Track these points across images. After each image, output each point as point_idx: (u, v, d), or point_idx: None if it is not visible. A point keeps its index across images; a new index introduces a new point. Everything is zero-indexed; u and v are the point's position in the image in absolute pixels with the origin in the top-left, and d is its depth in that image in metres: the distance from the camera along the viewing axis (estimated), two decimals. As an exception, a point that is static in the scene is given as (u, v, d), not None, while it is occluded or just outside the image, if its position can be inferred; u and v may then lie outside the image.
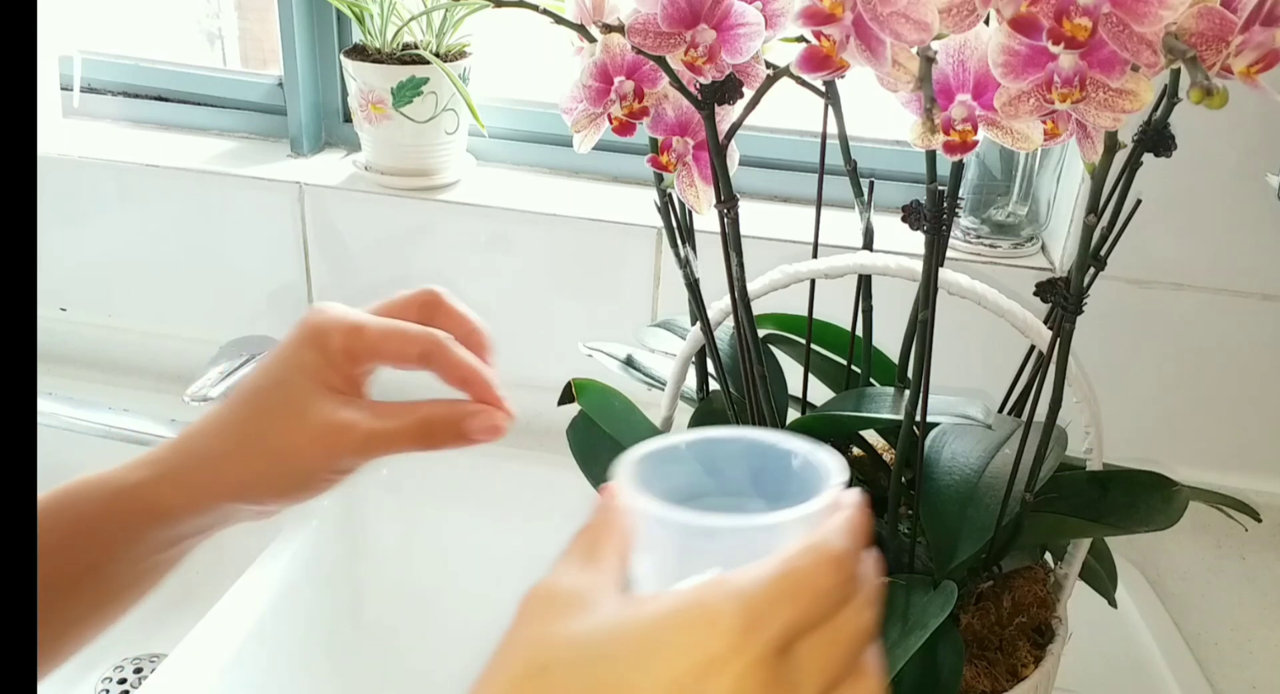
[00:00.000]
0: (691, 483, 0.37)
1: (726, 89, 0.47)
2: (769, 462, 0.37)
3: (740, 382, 0.56)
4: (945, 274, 0.51)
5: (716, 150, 0.49)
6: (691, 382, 0.62)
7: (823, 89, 0.55)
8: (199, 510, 0.46)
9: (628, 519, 0.34)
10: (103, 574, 0.46)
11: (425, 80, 0.93)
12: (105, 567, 0.46)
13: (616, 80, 0.49)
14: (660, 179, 0.53)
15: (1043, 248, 0.92)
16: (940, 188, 0.48)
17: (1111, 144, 0.41)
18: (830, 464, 0.34)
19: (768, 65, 0.48)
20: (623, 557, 0.33)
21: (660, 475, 0.35)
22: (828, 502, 0.32)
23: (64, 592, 0.45)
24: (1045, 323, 0.52)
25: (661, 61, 0.47)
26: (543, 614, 0.31)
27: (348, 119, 1.04)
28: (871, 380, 0.62)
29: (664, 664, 0.28)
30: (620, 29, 0.45)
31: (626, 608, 0.30)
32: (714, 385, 0.62)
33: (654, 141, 0.51)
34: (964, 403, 0.52)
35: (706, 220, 0.53)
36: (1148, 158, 0.43)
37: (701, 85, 0.47)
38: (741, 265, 0.51)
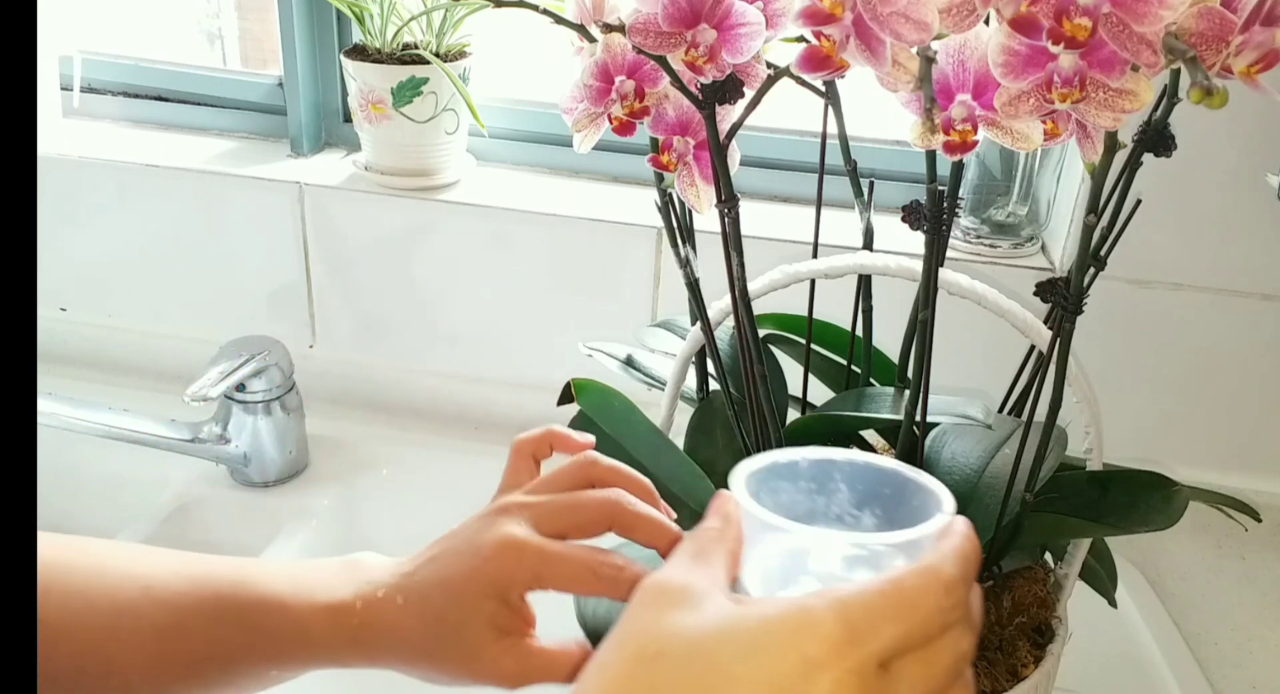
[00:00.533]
0: (803, 500, 0.38)
1: (727, 89, 0.47)
2: (881, 487, 0.38)
3: (740, 382, 0.56)
4: (945, 274, 0.51)
5: (717, 150, 0.49)
6: (691, 382, 0.62)
7: (823, 89, 0.55)
8: (359, 665, 0.47)
9: (739, 525, 0.36)
10: (228, 669, 0.46)
11: (425, 80, 0.93)
12: (234, 666, 0.46)
13: (617, 80, 0.49)
14: (661, 179, 0.53)
15: (1043, 248, 0.92)
16: (940, 188, 0.48)
17: (1111, 144, 0.41)
18: (941, 494, 0.35)
19: (768, 65, 0.48)
20: (732, 560, 0.35)
21: (771, 489, 0.37)
22: (939, 528, 0.33)
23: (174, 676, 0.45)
24: (1045, 323, 0.52)
25: (662, 61, 0.47)
26: (655, 604, 0.33)
27: (348, 119, 1.04)
28: (871, 380, 0.62)
29: (766, 662, 0.29)
30: (621, 29, 0.45)
31: (734, 608, 0.32)
32: (714, 385, 0.62)
33: (654, 141, 0.51)
34: (964, 403, 0.53)
35: (707, 220, 0.53)
36: (1148, 158, 0.43)
37: (702, 85, 0.47)
38: (742, 265, 0.51)
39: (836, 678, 0.29)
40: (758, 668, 0.30)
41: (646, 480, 0.47)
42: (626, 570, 0.44)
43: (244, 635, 0.45)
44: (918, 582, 0.31)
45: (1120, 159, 0.42)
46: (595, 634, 0.49)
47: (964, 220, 0.90)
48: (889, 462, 0.39)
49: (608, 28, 0.47)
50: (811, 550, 0.35)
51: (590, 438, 0.51)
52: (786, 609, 0.30)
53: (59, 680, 0.44)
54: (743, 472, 0.37)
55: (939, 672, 0.31)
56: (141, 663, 0.45)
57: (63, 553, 0.46)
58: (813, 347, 0.63)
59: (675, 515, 0.47)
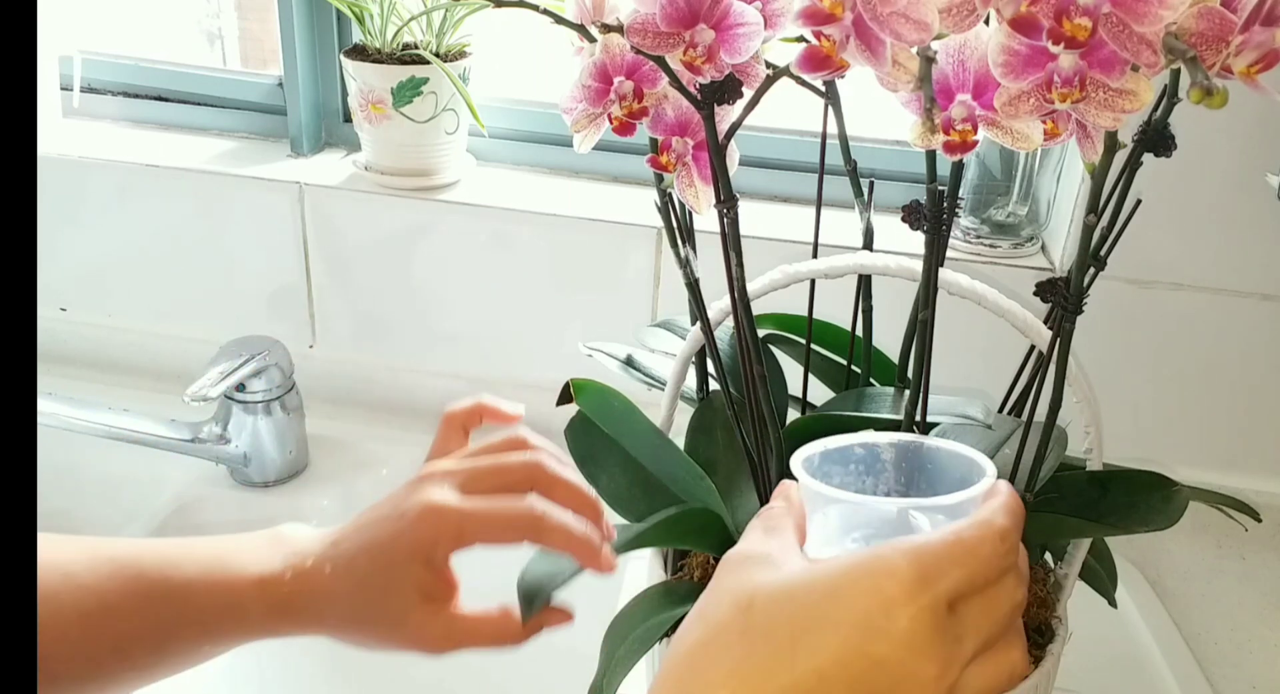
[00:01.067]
0: (853, 481, 0.42)
1: (726, 89, 0.47)
2: (924, 462, 0.41)
3: (740, 382, 0.55)
4: (945, 274, 0.51)
5: (716, 150, 0.49)
6: (691, 381, 0.62)
7: (823, 89, 0.55)
8: (290, 634, 0.48)
9: (800, 502, 0.40)
10: (159, 649, 0.47)
11: (425, 80, 0.93)
12: (165, 645, 0.47)
13: (616, 80, 0.49)
14: (660, 179, 0.53)
15: (1043, 248, 0.92)
16: (940, 188, 0.48)
17: (1111, 144, 0.41)
18: (982, 461, 0.39)
19: (767, 65, 0.48)
20: (798, 532, 0.39)
21: (825, 473, 0.41)
22: (984, 489, 0.37)
23: (106, 653, 0.45)
24: (1045, 323, 0.52)
25: (661, 61, 0.47)
26: (740, 568, 0.37)
27: (348, 119, 1.04)
28: (871, 380, 0.62)
29: (850, 601, 0.33)
30: (619, 29, 0.45)
31: (813, 563, 0.36)
32: (714, 385, 0.62)
33: (654, 141, 0.51)
34: (964, 403, 0.52)
35: (706, 220, 0.53)
36: (1148, 158, 0.43)
37: (701, 85, 0.47)
38: (741, 265, 0.51)
39: (913, 614, 0.32)
40: (842, 607, 0.33)
41: (562, 455, 0.49)
42: (547, 518, 0.46)
43: (173, 613, 0.46)
44: (976, 532, 0.34)
45: (1120, 159, 0.42)
46: (529, 593, 0.49)
47: (964, 220, 0.90)
48: (930, 439, 0.42)
49: (606, 28, 0.47)
50: (867, 517, 0.38)
51: (520, 408, 0.52)
52: (863, 558, 0.34)
53: None
54: (800, 456, 0.40)
55: (998, 616, 0.34)
56: (64, 649, 0.44)
57: None
58: (813, 347, 0.63)
59: (595, 491, 0.49)
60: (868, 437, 0.42)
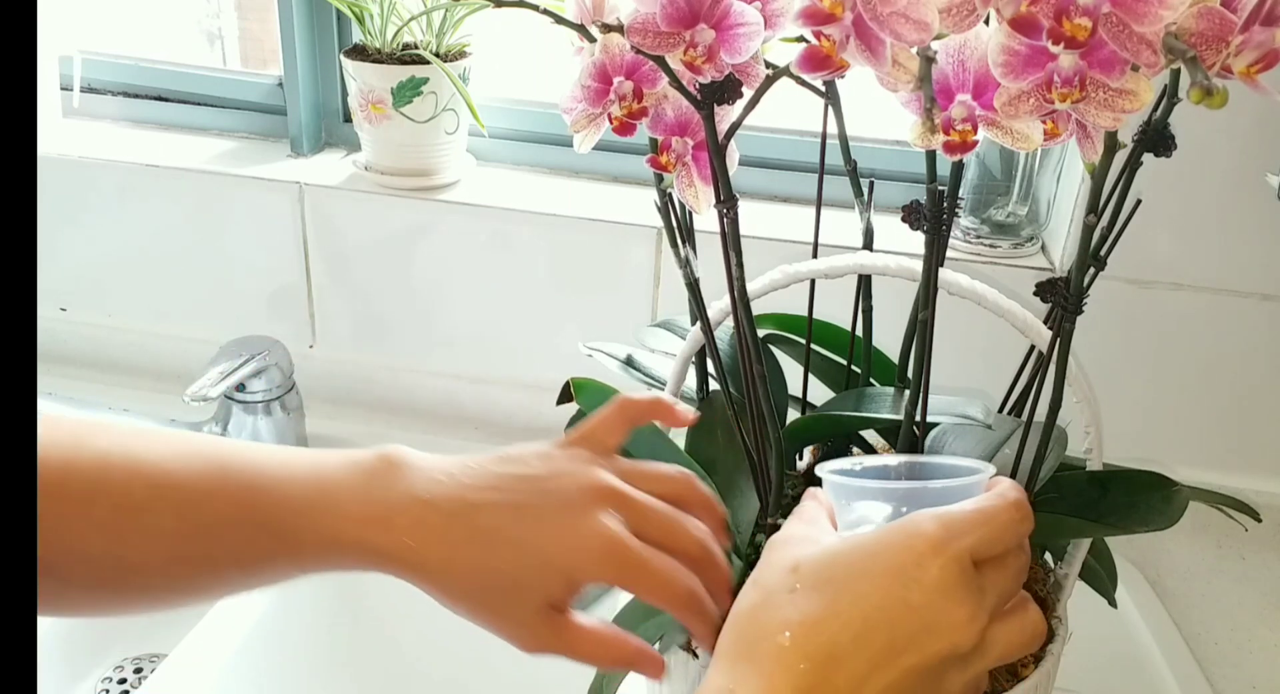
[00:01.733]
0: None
1: (726, 89, 0.47)
2: (929, 474, 0.45)
3: (740, 382, 0.56)
4: (945, 274, 0.51)
5: (716, 150, 0.49)
6: (691, 382, 0.62)
7: (823, 89, 0.54)
8: (390, 574, 0.45)
9: (828, 499, 0.45)
10: (247, 570, 0.44)
11: (425, 80, 0.93)
12: (255, 577, 0.45)
13: (615, 80, 0.49)
14: (660, 179, 0.53)
15: (1043, 248, 0.92)
16: (940, 188, 0.48)
17: (1111, 144, 0.41)
18: (980, 463, 0.44)
19: (767, 65, 0.48)
20: (830, 521, 0.44)
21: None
22: (988, 475, 0.42)
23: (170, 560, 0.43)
24: (1045, 323, 0.52)
25: (661, 61, 0.47)
26: (785, 546, 0.42)
27: (348, 119, 1.04)
28: (871, 380, 0.62)
29: (887, 557, 0.38)
30: (619, 29, 0.45)
31: (849, 536, 0.41)
32: (714, 385, 0.62)
33: (653, 142, 0.51)
34: (964, 403, 0.53)
35: (707, 220, 0.53)
36: (1148, 158, 0.43)
37: (701, 85, 0.47)
38: (741, 265, 0.51)
39: (942, 564, 0.37)
40: (880, 562, 0.38)
41: (725, 512, 0.50)
42: (702, 603, 0.44)
43: (265, 542, 0.43)
44: (994, 502, 0.39)
45: (1120, 159, 0.42)
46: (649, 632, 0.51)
47: (964, 220, 0.90)
48: (933, 458, 0.46)
49: (605, 28, 0.47)
50: (888, 506, 0.42)
51: (693, 412, 0.50)
52: (896, 525, 0.39)
53: (72, 582, 0.42)
54: (827, 467, 0.45)
55: (1011, 577, 0.39)
56: (158, 562, 0.43)
57: (59, 451, 0.42)
58: (813, 347, 0.63)
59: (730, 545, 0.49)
60: (874, 460, 0.47)
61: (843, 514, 0.44)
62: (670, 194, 0.55)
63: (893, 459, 0.46)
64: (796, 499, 0.48)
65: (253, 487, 0.43)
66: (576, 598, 0.44)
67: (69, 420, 0.44)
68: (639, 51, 0.45)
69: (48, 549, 0.41)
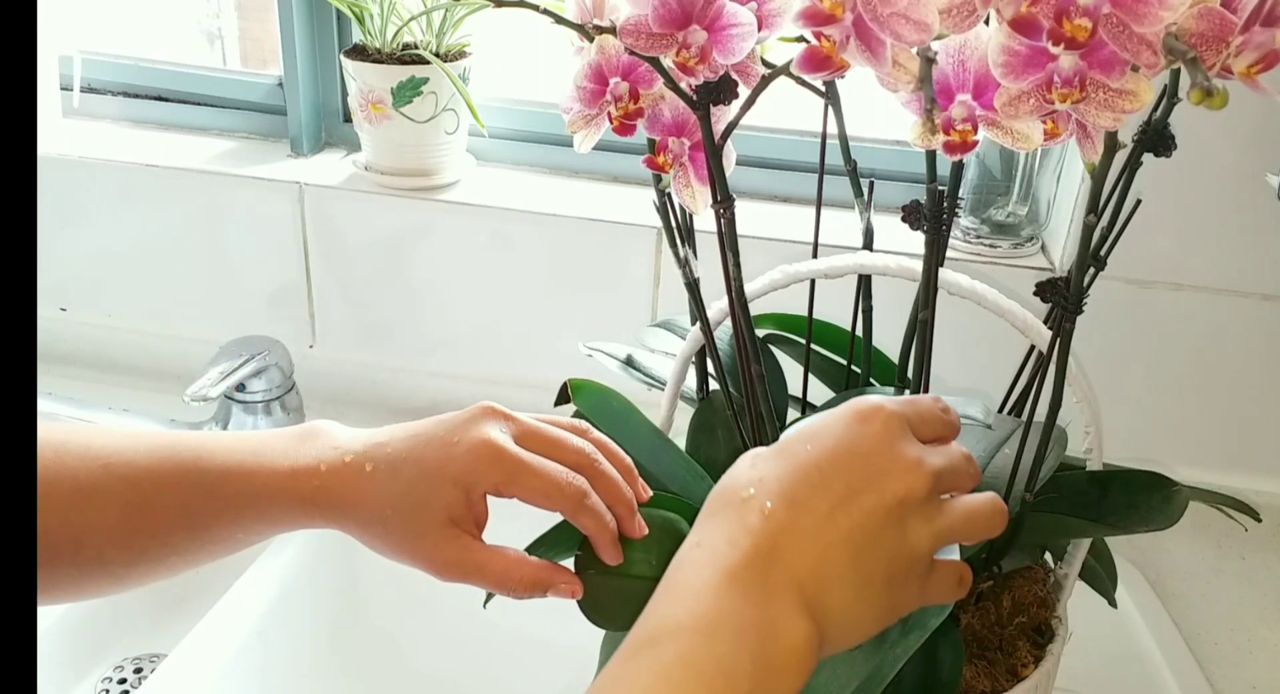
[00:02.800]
0: None
1: (721, 89, 0.47)
2: None
3: (740, 382, 0.56)
4: (945, 274, 0.51)
5: (712, 150, 0.49)
6: (691, 381, 0.62)
7: (823, 89, 0.55)
8: (316, 526, 0.50)
9: None
10: (195, 536, 0.49)
11: (425, 80, 0.93)
12: (199, 533, 0.49)
13: (612, 81, 0.49)
14: (658, 179, 0.53)
15: (1043, 248, 0.92)
16: (940, 188, 0.48)
17: (1111, 144, 0.41)
18: None
19: (766, 65, 0.48)
20: None
21: None
22: None
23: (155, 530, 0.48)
24: (1045, 323, 0.52)
25: (655, 62, 0.47)
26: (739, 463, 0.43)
27: (348, 119, 1.04)
28: (871, 380, 0.62)
29: (838, 420, 0.42)
30: (612, 30, 0.45)
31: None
32: (714, 385, 0.62)
33: (650, 142, 0.51)
34: (964, 403, 0.53)
35: (706, 220, 0.53)
36: (1148, 158, 0.43)
37: (696, 86, 0.47)
38: (738, 265, 0.51)
39: (885, 418, 0.41)
40: (829, 425, 0.42)
41: (628, 459, 0.52)
42: (589, 499, 0.48)
43: (209, 504, 0.48)
44: (919, 397, 0.44)
45: (1120, 159, 0.42)
46: (547, 549, 0.52)
47: (964, 220, 0.90)
48: None
49: (599, 29, 0.47)
50: None
51: (613, 446, 0.54)
52: (840, 405, 0.43)
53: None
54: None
55: (955, 457, 0.42)
56: (111, 536, 0.47)
57: None
58: (813, 347, 0.63)
59: (649, 496, 0.52)
60: None
61: None
62: (668, 194, 0.55)
63: None
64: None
65: (197, 456, 0.49)
66: (479, 518, 0.48)
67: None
68: (633, 53, 0.45)
69: None
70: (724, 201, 0.49)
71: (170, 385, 0.97)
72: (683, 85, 0.48)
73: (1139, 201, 0.49)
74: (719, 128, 0.49)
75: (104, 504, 0.47)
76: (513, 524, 0.52)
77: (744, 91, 0.48)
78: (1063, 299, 0.46)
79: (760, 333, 0.64)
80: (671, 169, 0.51)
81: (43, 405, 0.85)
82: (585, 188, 1.01)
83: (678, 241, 0.56)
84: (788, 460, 0.41)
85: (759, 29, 0.44)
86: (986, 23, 0.38)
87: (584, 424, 0.52)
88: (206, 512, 0.48)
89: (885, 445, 0.41)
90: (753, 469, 0.41)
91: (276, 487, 0.48)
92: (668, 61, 0.46)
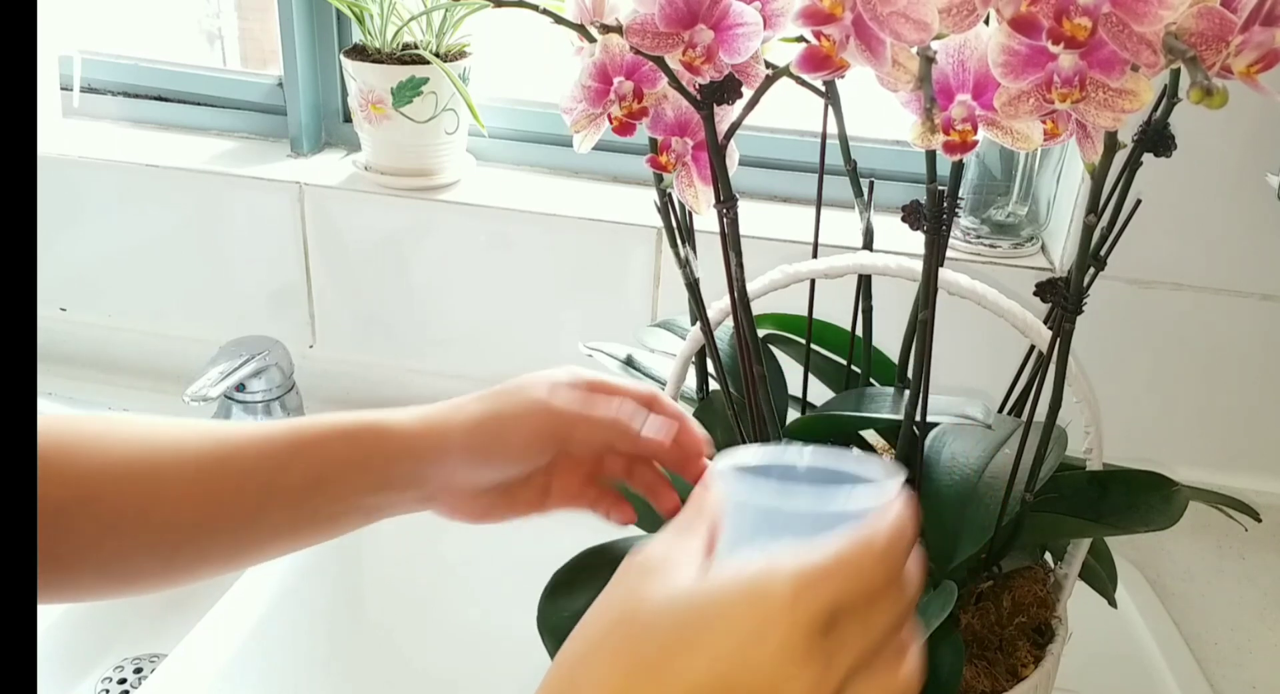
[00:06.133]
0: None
1: (725, 89, 0.47)
2: (833, 479, 0.40)
3: (740, 382, 0.56)
4: (945, 274, 0.51)
5: (715, 150, 0.49)
6: (691, 381, 0.62)
7: (823, 89, 0.55)
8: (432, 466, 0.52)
9: (718, 500, 0.40)
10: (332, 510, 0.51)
11: (425, 80, 0.93)
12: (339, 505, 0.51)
13: (616, 81, 0.49)
14: (660, 179, 0.53)
15: (1043, 248, 0.92)
16: (940, 188, 0.48)
17: (1111, 144, 0.41)
18: (885, 476, 0.38)
19: (767, 65, 0.48)
20: (711, 531, 0.39)
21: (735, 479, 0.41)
22: (883, 501, 0.37)
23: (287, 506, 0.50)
24: (1045, 323, 0.52)
25: (660, 62, 0.47)
26: (635, 574, 0.37)
27: (348, 119, 1.04)
28: (871, 380, 0.62)
29: (728, 621, 0.34)
30: (618, 29, 0.45)
31: (700, 577, 0.36)
32: (714, 385, 0.62)
33: (653, 142, 0.51)
34: (964, 403, 0.52)
35: (707, 220, 0.53)
36: (1148, 158, 0.43)
37: (700, 85, 0.47)
38: (741, 265, 0.51)
39: (785, 631, 0.33)
40: (720, 626, 0.34)
41: (703, 432, 0.53)
42: (660, 401, 0.52)
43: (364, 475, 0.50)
44: (856, 549, 0.35)
45: (1120, 159, 0.42)
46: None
47: (964, 220, 0.90)
48: (844, 460, 0.41)
49: (605, 28, 0.47)
50: (773, 518, 0.37)
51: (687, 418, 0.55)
52: (748, 577, 0.34)
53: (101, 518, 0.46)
54: (722, 462, 0.40)
55: (876, 633, 0.35)
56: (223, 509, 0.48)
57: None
58: (813, 347, 0.63)
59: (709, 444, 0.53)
60: (785, 454, 0.42)
61: (730, 520, 0.39)
62: (670, 194, 0.55)
63: (803, 456, 0.42)
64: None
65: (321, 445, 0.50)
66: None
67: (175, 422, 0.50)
68: (638, 52, 0.45)
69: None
70: (727, 201, 0.49)
71: (170, 385, 0.97)
72: (686, 85, 0.48)
73: (1139, 201, 0.49)
74: (722, 127, 0.49)
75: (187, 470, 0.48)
76: (519, 529, 0.53)
77: (746, 91, 0.48)
78: (1063, 299, 0.46)
79: (760, 333, 0.64)
80: (674, 169, 0.51)
81: (43, 405, 0.85)
82: (585, 188, 1.01)
83: (678, 241, 0.56)
84: (655, 677, 0.34)
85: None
86: (986, 22, 0.38)
87: (657, 391, 0.55)
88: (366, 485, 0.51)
89: (777, 667, 0.33)
90: (615, 659, 0.35)
91: (406, 426, 0.51)
92: (673, 61, 0.46)
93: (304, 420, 0.50)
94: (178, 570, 0.49)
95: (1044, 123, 0.40)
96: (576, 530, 0.59)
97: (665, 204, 0.56)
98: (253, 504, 0.48)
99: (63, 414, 0.49)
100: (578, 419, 0.51)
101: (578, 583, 0.55)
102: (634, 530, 0.56)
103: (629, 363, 0.65)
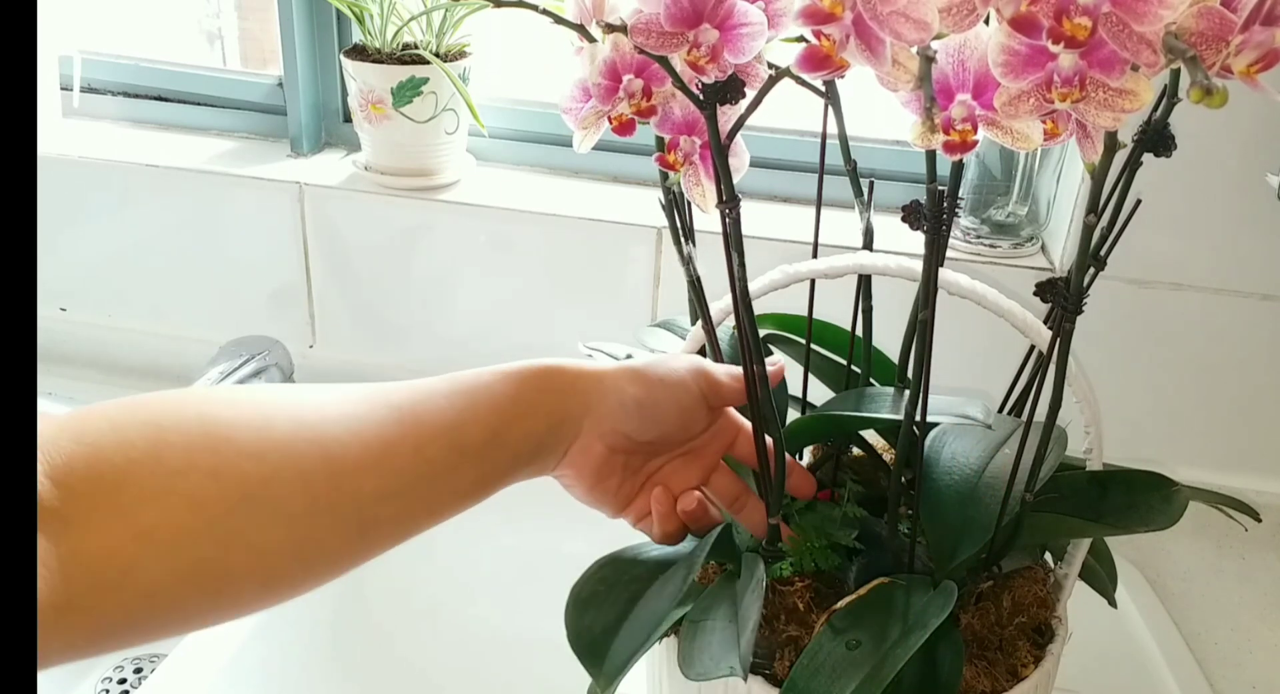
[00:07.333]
0: None
1: (729, 89, 0.47)
2: None
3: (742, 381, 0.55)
4: (945, 274, 0.51)
5: (718, 150, 0.49)
6: (691, 381, 0.62)
7: (823, 89, 0.54)
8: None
9: None
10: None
11: (425, 80, 0.93)
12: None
13: (625, 78, 0.49)
14: (665, 177, 0.53)
15: (1043, 248, 0.92)
16: (940, 188, 0.48)
17: (1111, 144, 0.41)
18: None
19: (769, 65, 0.48)
20: None
21: None
22: None
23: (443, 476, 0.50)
24: (1045, 323, 0.52)
25: (664, 61, 0.47)
26: None
27: (348, 119, 1.04)
28: (871, 380, 0.62)
29: None
30: (622, 29, 0.45)
31: None
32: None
33: (660, 140, 0.51)
34: (964, 403, 0.52)
35: (707, 220, 0.53)
36: (1148, 158, 0.43)
37: (704, 85, 0.47)
38: (743, 265, 0.51)
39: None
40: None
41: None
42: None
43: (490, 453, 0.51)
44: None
45: (1120, 159, 0.42)
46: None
47: (964, 220, 0.90)
48: None
49: (610, 28, 0.47)
50: None
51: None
52: None
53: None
54: None
55: None
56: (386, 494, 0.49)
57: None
58: (813, 347, 0.63)
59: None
60: None
61: None
62: (674, 192, 0.55)
63: None
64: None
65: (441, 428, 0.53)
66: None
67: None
68: (642, 51, 0.45)
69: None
70: (730, 201, 0.49)
71: (170, 385, 0.97)
72: (690, 84, 0.48)
73: (1139, 201, 0.49)
74: (725, 127, 0.49)
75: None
76: (534, 508, 0.52)
77: (749, 91, 0.48)
78: (1063, 299, 0.46)
79: (760, 332, 0.64)
80: (682, 167, 0.51)
81: (43, 405, 0.85)
82: (585, 188, 1.01)
83: (681, 239, 0.56)
84: None
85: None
86: (986, 22, 0.38)
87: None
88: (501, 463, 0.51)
89: None
90: None
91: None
92: (677, 61, 0.46)
93: (457, 374, 0.52)
94: (371, 545, 0.49)
95: (1044, 123, 0.40)
96: (576, 531, 0.59)
97: (670, 202, 0.56)
98: (440, 466, 0.49)
99: (220, 388, 0.48)
100: (734, 393, 0.53)
101: (600, 595, 0.54)
102: (639, 536, 0.56)
103: (629, 363, 0.65)
